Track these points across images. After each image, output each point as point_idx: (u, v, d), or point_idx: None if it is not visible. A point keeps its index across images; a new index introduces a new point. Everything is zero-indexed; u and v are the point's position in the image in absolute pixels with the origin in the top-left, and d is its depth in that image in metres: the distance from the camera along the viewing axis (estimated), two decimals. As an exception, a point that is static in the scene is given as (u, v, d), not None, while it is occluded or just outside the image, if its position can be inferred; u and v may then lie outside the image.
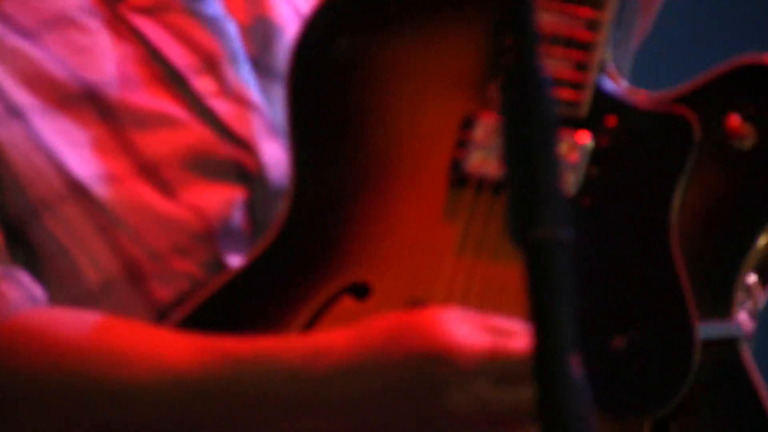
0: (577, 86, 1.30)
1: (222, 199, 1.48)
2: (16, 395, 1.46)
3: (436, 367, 1.33)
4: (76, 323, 1.47)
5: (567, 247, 0.89)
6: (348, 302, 1.39)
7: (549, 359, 0.90)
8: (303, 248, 1.46)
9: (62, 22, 1.53)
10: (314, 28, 1.43)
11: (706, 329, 1.29)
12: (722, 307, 1.32)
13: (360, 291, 1.41)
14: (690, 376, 1.27)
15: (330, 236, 1.45)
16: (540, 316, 0.89)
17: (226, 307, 1.45)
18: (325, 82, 1.46)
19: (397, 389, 1.36)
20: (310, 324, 1.40)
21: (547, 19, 1.27)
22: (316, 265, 1.44)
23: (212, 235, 1.49)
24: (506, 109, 0.93)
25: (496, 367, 1.30)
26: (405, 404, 1.36)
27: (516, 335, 1.26)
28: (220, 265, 1.47)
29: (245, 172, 1.51)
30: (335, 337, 1.36)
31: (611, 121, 1.32)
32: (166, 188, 1.48)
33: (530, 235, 0.88)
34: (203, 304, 1.43)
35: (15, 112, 1.49)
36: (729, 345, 1.30)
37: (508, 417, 1.31)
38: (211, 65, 1.55)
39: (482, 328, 1.33)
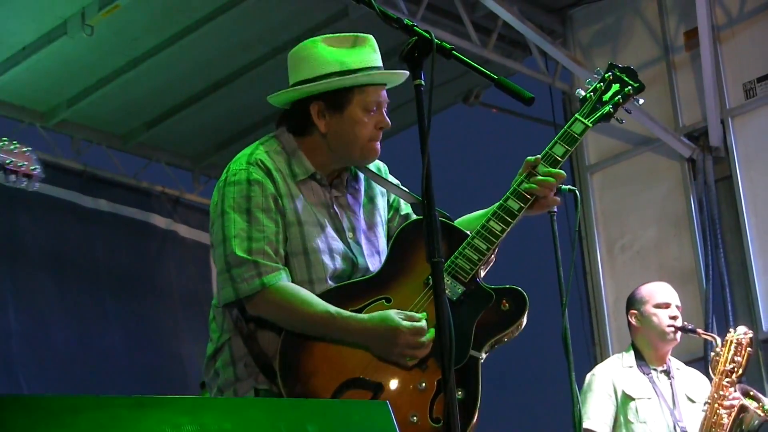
0: (467, 273, 3.65)
1: (342, 266, 3.70)
2: (276, 308, 3.57)
3: (391, 332, 3.49)
4: (298, 290, 3.58)
5: (442, 264, 3.18)
6: (381, 305, 3.58)
7: (440, 312, 3.11)
8: (373, 283, 3.65)
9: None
10: (403, 228, 3.80)
11: (472, 351, 3.57)
12: (478, 348, 3.56)
13: (388, 300, 3.59)
14: (463, 359, 3.50)
15: (384, 282, 3.63)
16: (436, 294, 3.15)
17: (341, 291, 3.63)
18: (401, 243, 3.75)
19: (379, 338, 3.51)
20: (364, 308, 3.57)
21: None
22: (375, 289, 3.62)
23: (337, 275, 3.68)
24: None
25: (413, 331, 3.50)
26: (381, 343, 3.51)
27: (418, 320, 3.52)
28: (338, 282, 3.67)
29: (352, 262, 3.71)
30: (369, 316, 3.54)
31: (468, 287, 3.65)
32: (332, 259, 3.68)
33: (432, 259, 3.18)
34: (332, 290, 3.64)
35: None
36: (476, 358, 3.55)
37: (422, 346, 3.48)
38: (352, 229, 3.76)
39: (408, 318, 3.50)
